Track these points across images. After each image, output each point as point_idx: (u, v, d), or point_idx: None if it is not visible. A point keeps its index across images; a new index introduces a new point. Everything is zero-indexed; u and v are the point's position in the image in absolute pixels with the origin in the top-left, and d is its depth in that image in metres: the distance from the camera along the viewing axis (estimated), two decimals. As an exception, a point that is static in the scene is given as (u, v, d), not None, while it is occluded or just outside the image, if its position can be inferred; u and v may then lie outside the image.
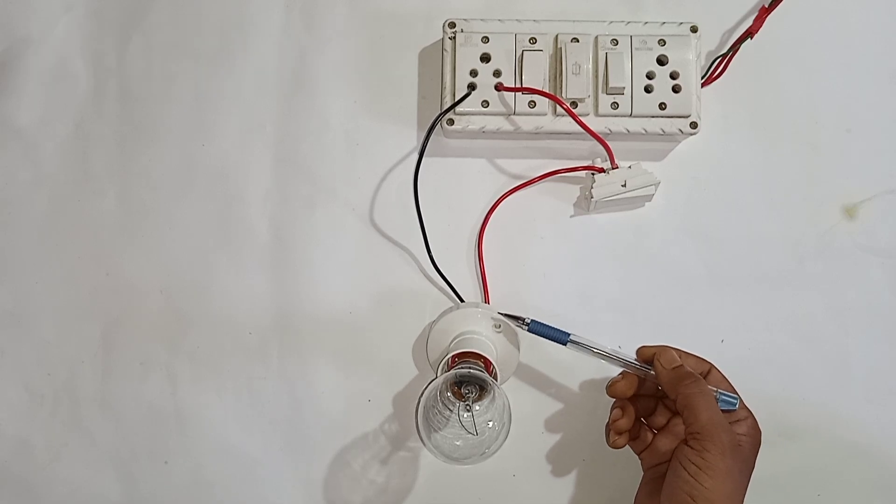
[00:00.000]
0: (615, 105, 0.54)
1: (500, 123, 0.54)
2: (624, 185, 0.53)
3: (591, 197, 0.54)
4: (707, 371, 0.49)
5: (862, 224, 0.57)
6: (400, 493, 0.56)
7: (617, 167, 0.54)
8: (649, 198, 0.55)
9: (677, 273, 0.57)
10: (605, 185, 0.54)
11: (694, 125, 0.54)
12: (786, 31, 0.58)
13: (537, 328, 0.50)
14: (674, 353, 0.48)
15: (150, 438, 0.58)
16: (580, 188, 0.57)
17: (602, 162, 0.56)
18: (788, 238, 0.57)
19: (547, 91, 0.54)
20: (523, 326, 0.50)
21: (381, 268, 0.57)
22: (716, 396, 0.46)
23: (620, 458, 0.56)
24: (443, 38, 0.55)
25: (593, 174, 0.55)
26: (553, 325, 0.50)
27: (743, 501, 0.44)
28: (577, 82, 0.53)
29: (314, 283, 0.58)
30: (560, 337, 0.49)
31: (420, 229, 0.55)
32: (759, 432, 0.47)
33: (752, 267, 0.57)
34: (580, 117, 0.53)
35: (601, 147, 0.55)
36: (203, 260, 0.58)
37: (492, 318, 0.53)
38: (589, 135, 0.53)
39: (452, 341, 0.52)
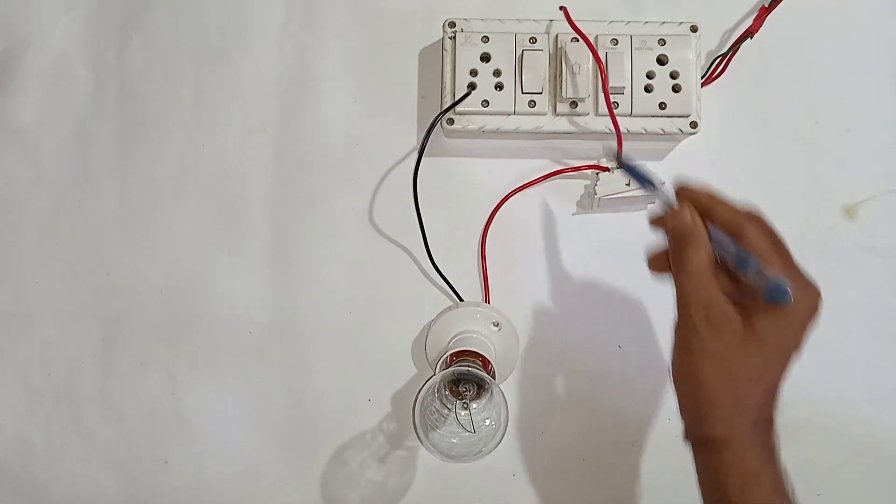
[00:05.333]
0: (615, 105, 0.54)
1: (500, 123, 0.54)
2: (628, 185, 0.53)
3: (595, 194, 0.54)
4: (741, 226, 0.40)
5: (862, 224, 0.57)
6: (398, 492, 0.56)
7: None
8: (653, 199, 0.55)
9: (677, 273, 0.57)
10: (609, 184, 0.54)
11: (694, 125, 0.54)
12: (786, 31, 0.58)
13: (630, 167, 0.44)
14: (685, 211, 0.40)
15: (150, 438, 0.58)
16: (584, 186, 0.57)
17: (607, 162, 0.56)
18: (788, 238, 0.56)
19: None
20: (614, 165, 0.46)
21: (381, 268, 0.57)
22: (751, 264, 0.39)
23: (621, 458, 0.56)
24: (443, 38, 0.55)
25: (597, 173, 0.55)
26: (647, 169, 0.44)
27: (755, 383, 0.39)
28: (576, 82, 0.53)
29: (314, 283, 0.58)
30: (650, 180, 0.44)
31: (420, 229, 0.55)
32: (804, 303, 0.39)
33: (752, 267, 0.57)
34: (581, 117, 0.53)
35: (600, 147, 0.55)
36: (203, 260, 0.58)
37: (488, 316, 0.53)
38: (590, 134, 0.54)
39: (451, 340, 0.52)
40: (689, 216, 0.40)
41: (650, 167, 0.54)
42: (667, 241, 0.42)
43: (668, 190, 0.43)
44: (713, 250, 0.40)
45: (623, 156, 0.45)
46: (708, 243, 0.40)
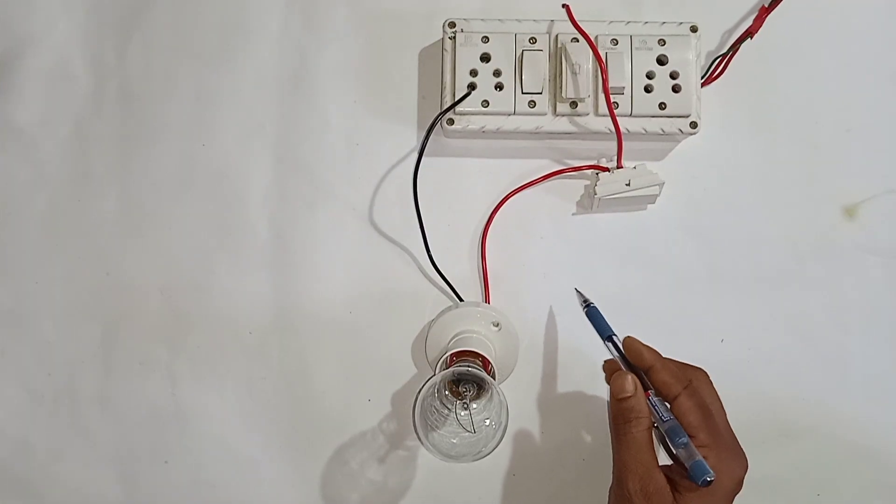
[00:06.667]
0: (615, 105, 0.54)
1: (500, 123, 0.54)
2: (628, 185, 0.54)
3: (595, 194, 0.54)
4: (675, 396, 0.44)
5: (862, 224, 0.57)
6: (398, 492, 0.56)
7: (622, 167, 0.54)
8: (653, 199, 0.55)
9: (677, 273, 0.57)
10: (609, 184, 0.54)
11: (694, 125, 0.54)
12: (786, 31, 0.58)
13: (594, 313, 0.50)
14: (626, 381, 0.44)
15: (151, 438, 0.58)
16: (585, 186, 0.57)
17: (607, 162, 0.56)
18: (788, 238, 0.57)
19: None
20: (583, 307, 0.51)
21: (381, 268, 0.57)
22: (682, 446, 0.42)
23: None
24: (443, 38, 0.55)
25: (597, 173, 0.55)
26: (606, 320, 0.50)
27: None
28: (577, 82, 0.53)
29: (314, 283, 0.58)
30: (605, 330, 0.49)
31: (420, 229, 0.55)
32: (727, 479, 0.42)
33: (752, 267, 0.57)
34: (581, 117, 0.53)
35: (600, 147, 0.55)
36: (203, 260, 0.58)
37: (488, 316, 0.53)
38: (590, 134, 0.54)
39: (451, 340, 0.52)
40: (632, 386, 0.43)
41: (649, 167, 0.54)
42: (609, 401, 0.45)
43: (617, 341, 0.48)
44: (651, 419, 0.44)
45: (590, 301, 0.51)
46: (648, 416, 0.43)
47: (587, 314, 0.51)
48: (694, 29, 0.55)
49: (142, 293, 0.58)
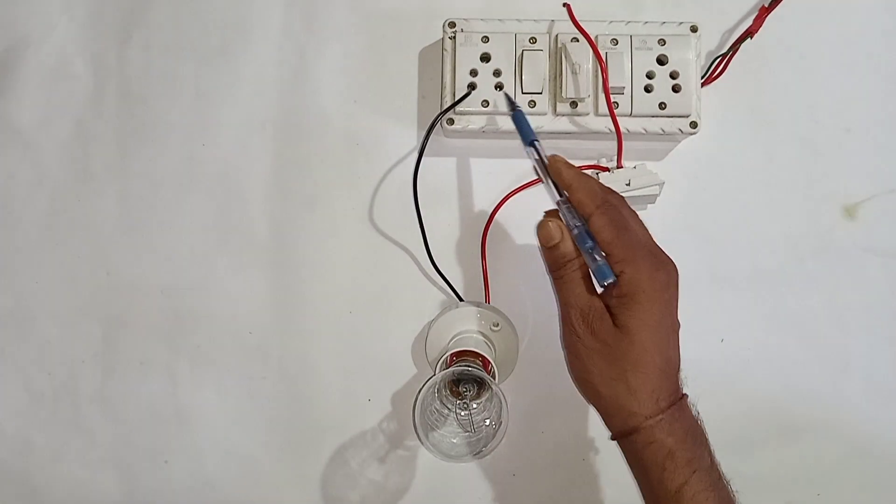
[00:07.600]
0: (615, 105, 0.54)
1: (501, 123, 0.54)
2: (628, 185, 0.53)
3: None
4: (590, 214, 0.43)
5: (862, 224, 0.57)
6: (398, 492, 0.56)
7: (622, 167, 0.54)
8: (653, 199, 0.55)
9: (677, 273, 0.57)
10: (609, 184, 0.54)
11: (694, 125, 0.54)
12: (786, 31, 0.58)
13: (519, 117, 0.48)
14: (550, 228, 0.43)
15: (151, 438, 0.58)
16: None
17: (607, 162, 0.56)
18: (788, 238, 0.57)
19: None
20: (509, 112, 0.49)
21: (381, 268, 0.57)
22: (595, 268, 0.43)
23: (621, 458, 0.56)
24: (443, 38, 0.55)
25: (598, 173, 0.55)
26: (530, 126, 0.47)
27: (643, 370, 0.41)
28: (577, 82, 0.53)
29: (314, 283, 0.58)
30: (528, 135, 0.47)
31: (420, 229, 0.55)
32: (635, 285, 0.41)
33: (753, 266, 0.57)
34: (581, 117, 0.53)
35: (600, 147, 0.55)
36: (203, 260, 0.58)
37: (488, 316, 0.53)
38: (590, 134, 0.54)
39: (451, 340, 0.52)
40: (558, 232, 0.43)
41: (649, 167, 0.54)
42: (539, 243, 0.45)
43: (538, 147, 0.46)
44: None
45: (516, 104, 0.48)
46: (578, 257, 0.43)
47: (513, 118, 0.48)
48: (694, 29, 0.55)
49: (142, 293, 0.58)
